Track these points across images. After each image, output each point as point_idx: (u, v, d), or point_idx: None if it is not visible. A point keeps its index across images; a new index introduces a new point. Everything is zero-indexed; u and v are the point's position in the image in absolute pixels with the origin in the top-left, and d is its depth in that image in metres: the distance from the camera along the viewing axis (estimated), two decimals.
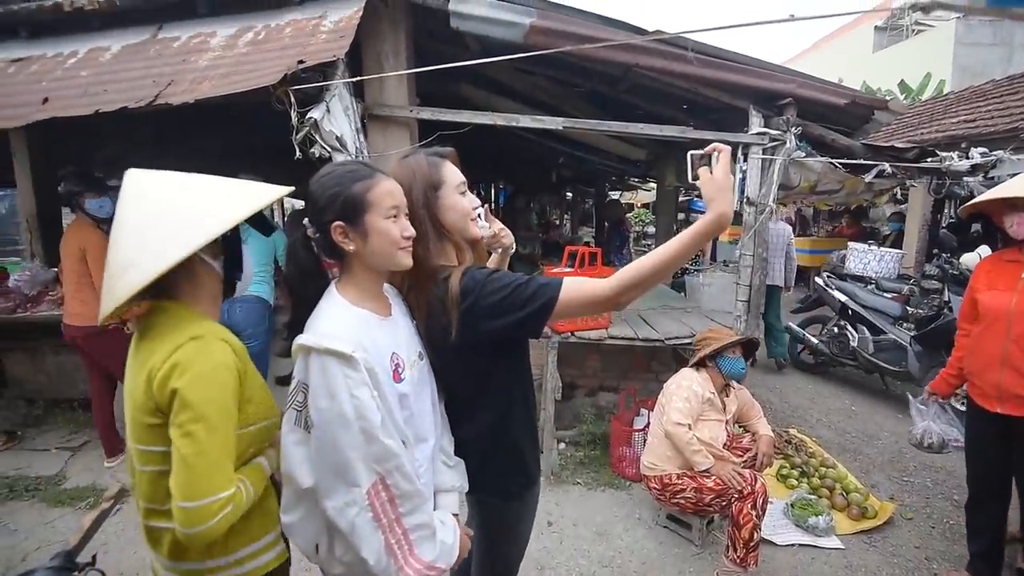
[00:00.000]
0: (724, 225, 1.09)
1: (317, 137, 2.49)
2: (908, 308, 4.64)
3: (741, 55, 2.84)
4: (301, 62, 2.41)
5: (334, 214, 1.07)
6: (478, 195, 13.64)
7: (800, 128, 2.84)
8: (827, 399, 4.67)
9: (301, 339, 1.02)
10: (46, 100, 2.51)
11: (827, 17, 1.45)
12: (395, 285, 1.28)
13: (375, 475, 1.02)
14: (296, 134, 2.46)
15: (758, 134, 2.88)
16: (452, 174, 1.30)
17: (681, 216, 8.64)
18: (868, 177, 2.90)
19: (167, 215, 1.04)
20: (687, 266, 5.37)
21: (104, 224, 3.11)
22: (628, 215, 17.02)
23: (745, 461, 2.75)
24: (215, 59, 2.65)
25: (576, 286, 1.15)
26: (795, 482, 3.11)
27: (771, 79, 2.76)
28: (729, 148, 1.12)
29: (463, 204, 1.29)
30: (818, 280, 5.39)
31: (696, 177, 1.15)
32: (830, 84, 2.84)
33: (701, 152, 1.16)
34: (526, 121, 3.10)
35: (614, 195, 15.27)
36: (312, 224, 1.10)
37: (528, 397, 1.39)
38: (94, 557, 1.49)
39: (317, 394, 1.00)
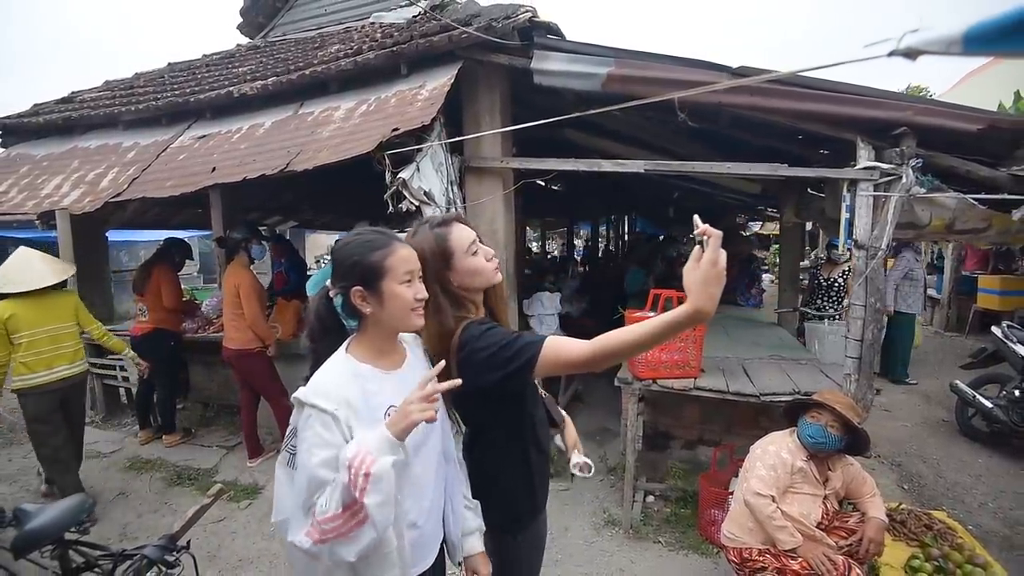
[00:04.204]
0: (700, 321, 1.04)
1: (406, 193, 2.79)
2: None
3: (845, 84, 2.54)
4: (395, 130, 2.75)
5: (354, 280, 1.18)
6: (607, 228, 13.47)
7: (920, 160, 2.44)
8: (1000, 478, 3.77)
9: (297, 392, 1.14)
10: (214, 169, 3.20)
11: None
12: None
13: (311, 524, 1.06)
14: (388, 191, 2.79)
15: (866, 168, 2.54)
16: (459, 239, 1.36)
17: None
18: (1017, 214, 2.35)
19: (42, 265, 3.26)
20: (808, 311, 4.78)
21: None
22: (768, 250, 15.54)
23: (850, 545, 2.37)
24: (335, 130, 3.14)
25: (555, 347, 1.20)
26: None
27: (879, 107, 2.42)
28: (720, 233, 1.04)
29: (478, 263, 1.38)
30: (996, 330, 4.43)
31: (700, 241, 1.07)
32: (961, 108, 2.39)
33: (697, 228, 1.07)
34: (608, 166, 3.13)
35: (754, 227, 14.10)
36: (334, 287, 1.23)
37: (526, 451, 1.45)
38: (188, 542, 1.84)
39: (301, 441, 1.12)
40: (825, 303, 5.09)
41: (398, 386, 1.23)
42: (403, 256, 1.20)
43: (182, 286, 4.70)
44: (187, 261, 4.67)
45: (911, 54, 0.86)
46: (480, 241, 1.40)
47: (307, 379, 1.22)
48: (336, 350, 1.24)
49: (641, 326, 1.10)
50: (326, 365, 1.21)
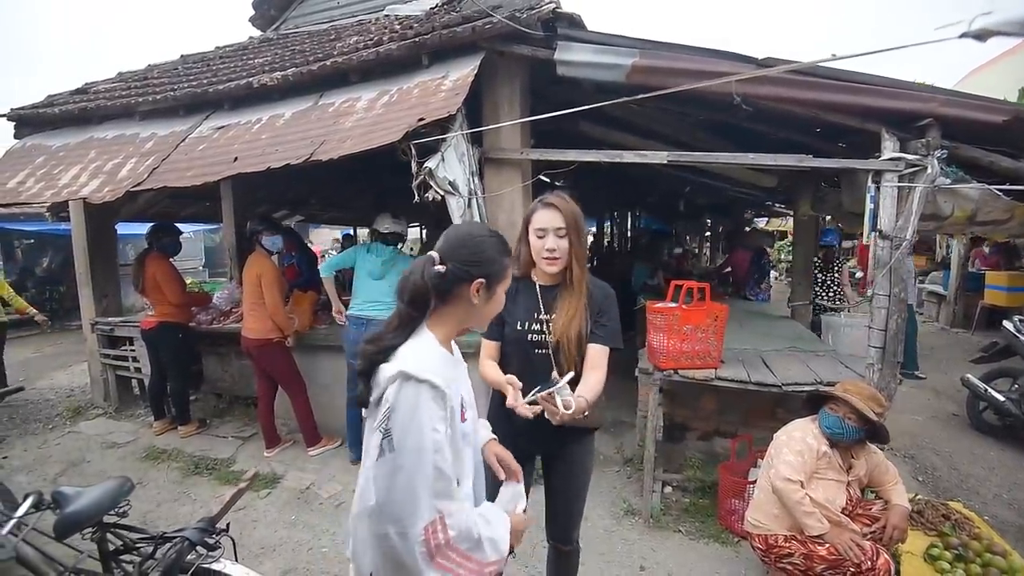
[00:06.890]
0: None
1: (432, 183, 2.80)
2: None
3: (872, 76, 2.56)
4: (421, 119, 2.75)
5: (483, 273, 1.19)
6: (612, 224, 13.62)
7: (945, 151, 2.46)
8: (1013, 471, 3.80)
9: (403, 367, 1.06)
10: (236, 159, 3.19)
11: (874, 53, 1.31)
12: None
13: (436, 512, 1.05)
14: (415, 180, 2.80)
15: (891, 159, 2.55)
16: (537, 219, 1.73)
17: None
18: None
19: None
20: (824, 303, 4.80)
21: (278, 256, 3.85)
22: (778, 243, 15.55)
23: (874, 532, 2.39)
24: (358, 120, 3.14)
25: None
26: (947, 566, 2.58)
27: (904, 99, 2.44)
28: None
29: (535, 244, 1.76)
30: (1007, 325, 4.46)
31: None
32: (986, 100, 2.41)
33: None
34: (630, 156, 3.14)
35: (760, 222, 14.11)
36: (447, 264, 1.16)
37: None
38: (228, 525, 1.86)
39: (404, 421, 1.04)
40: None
41: (462, 373, 1.28)
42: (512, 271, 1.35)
43: (184, 279, 4.50)
44: (194, 257, 4.65)
45: (983, 36, 0.88)
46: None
47: (373, 338, 1.17)
48: (410, 320, 1.18)
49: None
50: (420, 345, 1.15)
